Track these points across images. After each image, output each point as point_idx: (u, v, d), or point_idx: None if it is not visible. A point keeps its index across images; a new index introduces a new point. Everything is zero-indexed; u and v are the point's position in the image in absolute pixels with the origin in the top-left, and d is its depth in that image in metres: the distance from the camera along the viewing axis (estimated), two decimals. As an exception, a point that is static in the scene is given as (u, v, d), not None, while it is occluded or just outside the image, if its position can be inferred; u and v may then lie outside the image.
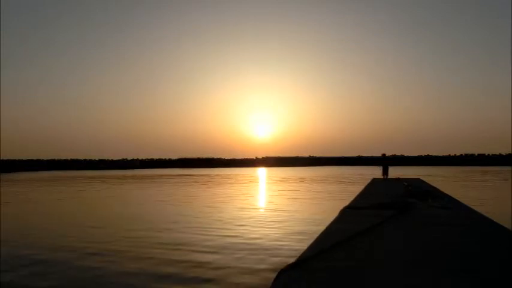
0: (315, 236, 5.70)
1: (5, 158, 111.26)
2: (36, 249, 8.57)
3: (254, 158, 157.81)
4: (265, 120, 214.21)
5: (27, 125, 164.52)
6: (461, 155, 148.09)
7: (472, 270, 3.59)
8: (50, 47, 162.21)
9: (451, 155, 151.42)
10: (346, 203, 10.10)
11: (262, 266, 6.86)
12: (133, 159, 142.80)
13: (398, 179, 21.37)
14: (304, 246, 5.64)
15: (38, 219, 13.78)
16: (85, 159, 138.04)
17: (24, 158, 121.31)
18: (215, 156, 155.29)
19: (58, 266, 7.18)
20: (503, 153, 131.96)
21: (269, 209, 16.25)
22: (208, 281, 6.12)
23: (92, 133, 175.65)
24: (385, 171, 24.54)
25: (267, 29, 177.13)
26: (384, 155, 25.91)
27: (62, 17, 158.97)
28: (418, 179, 22.31)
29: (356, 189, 19.03)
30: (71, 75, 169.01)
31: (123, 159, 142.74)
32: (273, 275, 3.69)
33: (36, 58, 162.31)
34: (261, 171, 76.65)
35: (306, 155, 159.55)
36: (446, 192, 13.46)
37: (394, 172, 47.78)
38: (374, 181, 21.08)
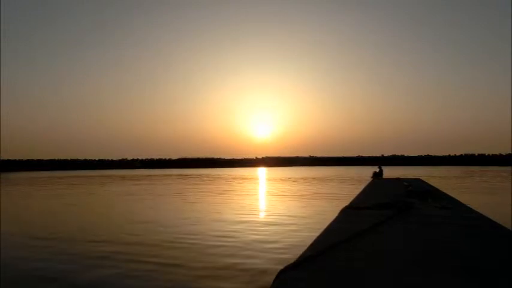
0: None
1: (5, 158, 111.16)
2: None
3: (254, 158, 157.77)
4: (265, 120, 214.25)
5: (27, 125, 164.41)
6: (461, 155, 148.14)
7: (472, 270, 3.58)
8: (50, 47, 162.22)
9: (451, 155, 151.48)
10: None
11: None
12: (133, 159, 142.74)
13: (398, 179, 21.37)
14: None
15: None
16: (85, 159, 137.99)
17: (24, 158, 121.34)
18: (215, 156, 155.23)
19: None
20: (503, 153, 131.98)
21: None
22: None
23: (92, 133, 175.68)
24: (378, 176, 24.84)
25: (267, 29, 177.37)
26: (375, 172, 25.78)
27: (62, 17, 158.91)
28: (418, 179, 22.30)
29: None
30: (71, 75, 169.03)
31: (123, 159, 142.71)
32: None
33: (36, 58, 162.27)
34: (261, 172, 76.57)
35: (306, 154, 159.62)
36: (446, 192, 13.43)
37: (394, 172, 47.85)
38: (374, 181, 21.10)
